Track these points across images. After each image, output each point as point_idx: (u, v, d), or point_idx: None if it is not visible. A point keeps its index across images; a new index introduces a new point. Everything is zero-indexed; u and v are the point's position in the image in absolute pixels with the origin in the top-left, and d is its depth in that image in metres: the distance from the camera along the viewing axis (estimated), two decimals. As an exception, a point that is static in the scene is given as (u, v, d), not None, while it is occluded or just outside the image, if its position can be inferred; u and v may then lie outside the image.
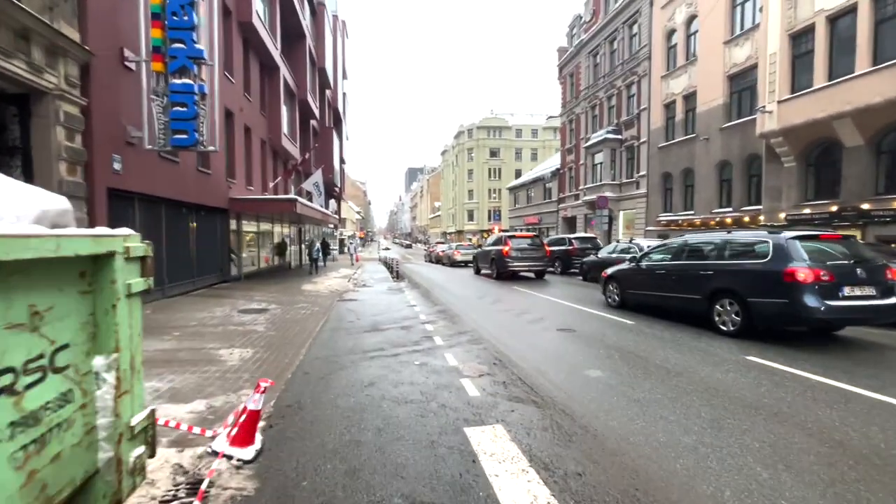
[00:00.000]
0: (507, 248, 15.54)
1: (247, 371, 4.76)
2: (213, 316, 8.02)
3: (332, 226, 38.45)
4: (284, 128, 19.62)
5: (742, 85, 18.48)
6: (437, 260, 32.64)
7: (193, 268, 11.47)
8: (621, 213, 27.33)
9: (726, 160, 19.11)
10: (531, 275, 16.43)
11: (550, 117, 73.63)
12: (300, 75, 22.44)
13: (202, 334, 6.47)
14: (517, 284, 14.43)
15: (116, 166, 7.79)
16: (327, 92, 31.78)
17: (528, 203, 43.46)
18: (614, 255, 13.67)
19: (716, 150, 19.55)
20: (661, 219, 23.18)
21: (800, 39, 14.86)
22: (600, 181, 27.85)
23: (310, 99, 23.54)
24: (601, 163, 27.94)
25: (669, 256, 7.93)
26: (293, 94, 21.99)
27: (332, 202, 32.63)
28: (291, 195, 14.43)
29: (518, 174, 66.17)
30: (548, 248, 16.75)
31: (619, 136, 27.05)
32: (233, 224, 14.25)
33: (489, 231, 68.06)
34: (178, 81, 8.14)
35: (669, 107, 22.98)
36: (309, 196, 20.77)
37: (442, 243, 56.08)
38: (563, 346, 6.12)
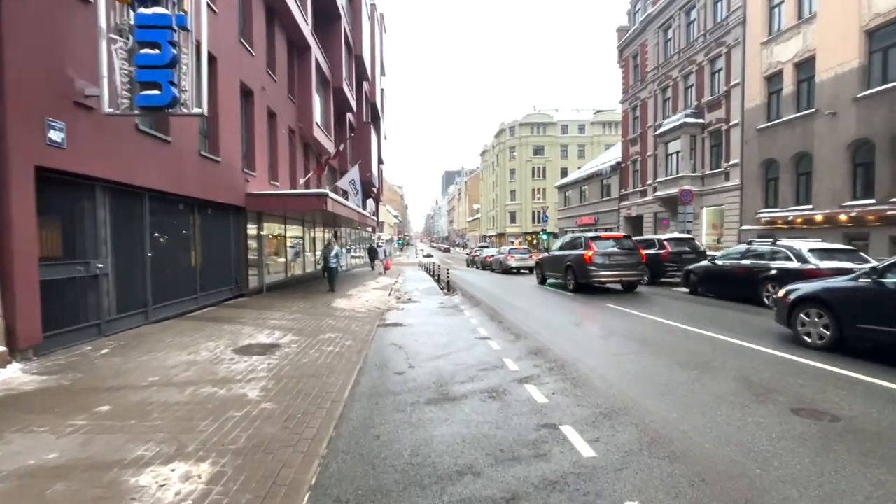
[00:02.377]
0: (590, 253, 12.23)
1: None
2: (192, 361, 5.29)
3: (369, 229, 36.18)
4: (317, 117, 17.19)
5: (888, 40, 14.29)
6: (484, 266, 30.25)
7: (196, 281, 8.94)
8: (703, 210, 23.20)
9: (864, 138, 14.91)
10: (617, 286, 13.10)
11: (599, 111, 69.01)
12: (335, 61, 20.05)
13: (145, 414, 3.67)
14: (607, 299, 11.10)
15: (54, 136, 5.22)
16: (364, 85, 29.48)
17: (581, 202, 39.55)
18: (746, 262, 10.08)
19: (847, 126, 15.37)
20: (763, 215, 19.02)
21: None
22: (677, 173, 23.86)
23: (346, 88, 21.13)
24: (678, 152, 23.95)
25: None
26: (327, 82, 19.61)
27: (371, 202, 30.24)
28: (322, 189, 11.78)
29: (564, 173, 62.03)
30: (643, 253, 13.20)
31: (701, 120, 23.00)
32: (252, 226, 11.75)
33: (531, 234, 64.31)
34: (147, 12, 5.51)
35: (773, 79, 18.84)
36: (345, 195, 18.26)
37: (485, 247, 53.55)
38: (855, 472, 2.86)
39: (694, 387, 4.42)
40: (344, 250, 24.66)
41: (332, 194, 11.38)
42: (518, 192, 67.76)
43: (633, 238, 14.36)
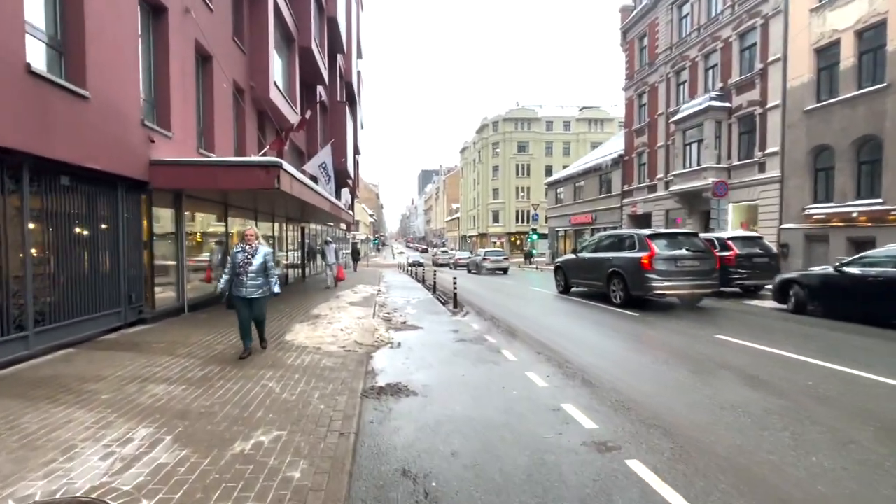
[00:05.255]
0: (648, 257, 9.08)
1: None
2: None
3: (343, 226, 32.03)
4: (275, 76, 13.18)
5: None
6: (456, 265, 33.08)
7: (25, 308, 4.92)
8: (730, 206, 20.32)
9: (960, 116, 12.13)
10: (675, 299, 10.01)
11: (584, 108, 66.74)
12: (302, 15, 16.07)
13: None
14: (676, 320, 7.68)
15: None
16: (339, 59, 25.45)
17: (575, 199, 36.52)
18: (891, 270, 6.81)
19: (935, 102, 12.58)
20: (812, 211, 16.16)
21: None
22: (699, 165, 20.91)
23: (315, 52, 17.14)
24: (699, 140, 21.00)
25: None
26: (291, 38, 15.60)
27: (346, 194, 26.20)
28: (272, 158, 7.86)
29: (549, 171, 59.27)
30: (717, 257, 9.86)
31: (727, 104, 20.13)
32: (164, 212, 7.75)
33: (516, 235, 61.27)
34: None
35: (825, 51, 16.02)
36: (314, 182, 14.30)
37: (446, 251, 51.64)
38: None
39: None
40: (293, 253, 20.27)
41: (288, 167, 7.50)
42: (501, 191, 64.65)
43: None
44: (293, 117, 14.95)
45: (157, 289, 7.47)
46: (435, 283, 14.21)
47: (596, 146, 51.19)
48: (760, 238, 11.83)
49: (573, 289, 12.74)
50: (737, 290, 11.93)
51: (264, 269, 5.22)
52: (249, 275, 5.12)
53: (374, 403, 4.02)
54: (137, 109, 6.87)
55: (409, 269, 28.75)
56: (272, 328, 7.10)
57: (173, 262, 8.03)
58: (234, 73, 10.85)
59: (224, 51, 10.19)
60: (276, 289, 5.35)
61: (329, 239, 15.89)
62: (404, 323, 8.15)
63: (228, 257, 5.43)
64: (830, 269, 8.06)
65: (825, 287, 8.03)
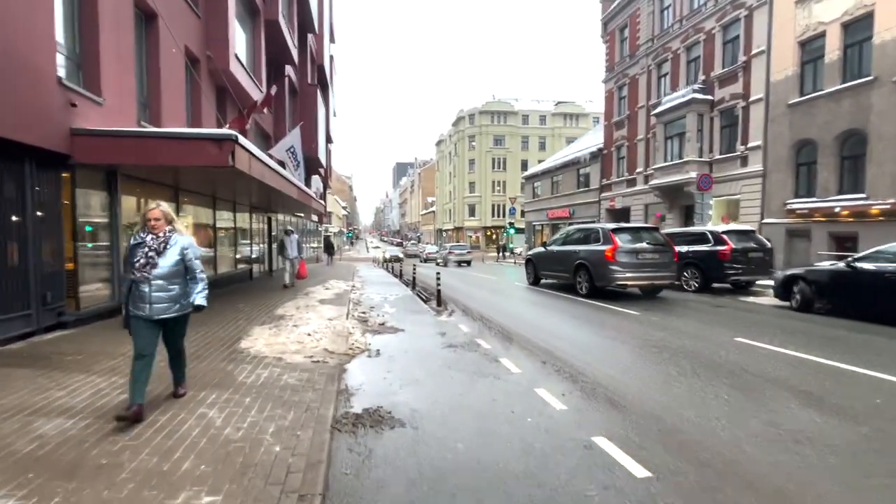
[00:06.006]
0: (612, 250, 9.64)
1: None
2: None
3: (315, 218, 30.49)
4: (236, 48, 11.81)
5: None
6: (426, 259, 35.84)
7: None
8: (711, 200, 20.14)
9: (946, 110, 12.03)
10: (636, 290, 10.68)
11: (560, 103, 66.69)
12: (267, -17, 14.64)
13: None
14: (678, 318, 7.01)
15: None
16: (310, 40, 23.90)
17: (553, 193, 36.14)
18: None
19: (921, 96, 12.46)
20: (793, 206, 16.04)
21: None
22: (681, 158, 20.65)
23: (284, 27, 15.73)
24: (681, 133, 20.73)
25: None
26: (256, 10, 14.16)
27: (317, 182, 24.75)
28: (225, 130, 6.65)
29: (525, 165, 58.98)
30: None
31: (710, 97, 19.89)
32: (94, 195, 6.47)
33: (492, 229, 60.75)
34: None
35: (810, 44, 15.85)
36: (281, 166, 12.99)
37: (429, 244, 54.81)
38: None
39: None
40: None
41: (245, 142, 6.35)
42: (478, 185, 63.99)
43: (693, 230, 10.91)
44: (258, 96, 13.56)
45: (83, 287, 6.19)
46: (415, 277, 13.21)
47: (571, 141, 51.10)
48: (754, 232, 11.40)
49: (542, 280, 13.11)
50: (727, 286, 11.50)
51: (183, 271, 3.29)
52: (156, 282, 3.15)
53: (348, 441, 3.04)
54: (52, 65, 5.56)
55: (386, 264, 27.55)
56: (224, 333, 5.97)
57: (106, 255, 6.74)
58: (186, 39, 9.47)
59: (173, 10, 8.81)
60: (202, 300, 3.36)
61: (290, 228, 14.03)
62: (383, 324, 7.16)
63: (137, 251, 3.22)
64: (841, 265, 7.56)
65: (835, 284, 7.53)
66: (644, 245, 9.83)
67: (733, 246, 10.54)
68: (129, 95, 7.21)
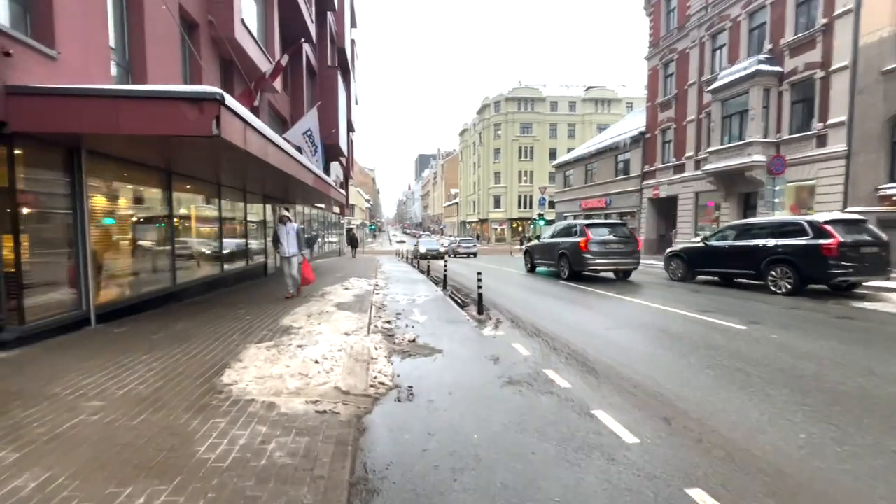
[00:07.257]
0: (584, 241, 11.84)
1: None
2: None
3: (336, 210, 29.23)
4: (244, 14, 10.36)
5: None
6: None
7: None
8: (784, 186, 17.72)
9: None
10: (610, 275, 12.92)
11: (590, 87, 63.52)
12: (281, -52, 13.14)
13: None
14: (803, 338, 5.16)
15: None
16: (330, 18, 22.41)
17: (587, 182, 33.85)
18: None
19: None
20: (888, 191, 13.67)
21: None
22: (742, 139, 18.27)
23: (299, -2, 14.23)
24: (743, 111, 18.30)
25: None
26: (267, -25, 12.67)
27: (337, 170, 23.35)
28: (206, 87, 5.17)
29: (553, 154, 56.46)
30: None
31: (778, 68, 17.41)
32: (50, 178, 5.09)
33: (518, 221, 58.48)
34: None
35: (914, -2, 13.29)
36: (298, 151, 11.51)
37: (452, 236, 53.19)
38: None
39: None
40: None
41: (234, 104, 4.83)
42: (503, 175, 61.77)
43: (779, 219, 8.82)
44: (269, 69, 12.11)
45: (30, 295, 4.81)
46: (445, 276, 11.60)
47: (603, 128, 48.29)
48: (866, 222, 9.26)
49: (538, 269, 15.25)
50: (825, 287, 9.45)
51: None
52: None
53: None
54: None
55: (417, 261, 24.04)
56: (207, 356, 4.49)
57: (66, 254, 5.36)
58: (180, -3, 8.03)
59: (162, -41, 7.36)
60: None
61: (286, 215, 8.92)
62: (413, 341, 5.56)
63: None
64: None
65: None
66: (612, 237, 11.93)
67: (841, 239, 8.47)
68: (97, 53, 5.78)
